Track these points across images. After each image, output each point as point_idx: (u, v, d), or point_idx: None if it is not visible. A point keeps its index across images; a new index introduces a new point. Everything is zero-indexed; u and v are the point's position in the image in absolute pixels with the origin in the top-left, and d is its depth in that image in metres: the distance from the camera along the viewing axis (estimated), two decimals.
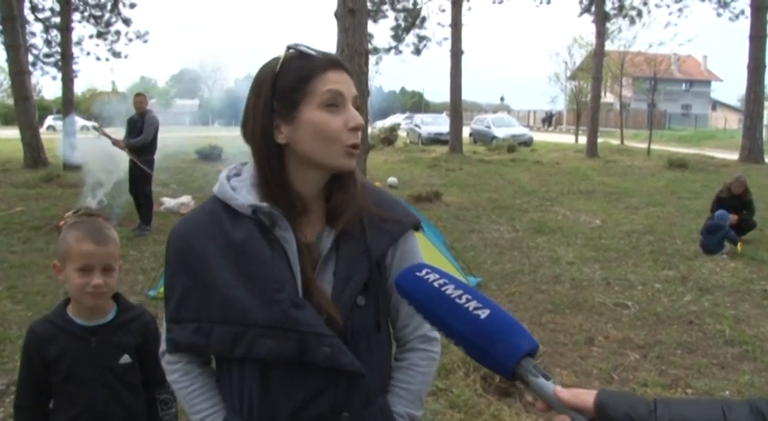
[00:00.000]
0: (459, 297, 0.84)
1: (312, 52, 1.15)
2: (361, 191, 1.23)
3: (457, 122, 21.23)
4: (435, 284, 0.86)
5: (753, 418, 0.73)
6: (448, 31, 21.55)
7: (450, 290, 0.85)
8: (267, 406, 1.17)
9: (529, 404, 3.40)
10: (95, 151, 8.88)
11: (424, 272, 0.89)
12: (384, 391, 1.26)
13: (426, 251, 3.51)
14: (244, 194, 1.18)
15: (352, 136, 1.14)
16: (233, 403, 1.21)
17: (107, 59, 22.86)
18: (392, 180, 13.20)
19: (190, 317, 1.17)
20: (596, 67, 21.61)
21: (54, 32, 21.29)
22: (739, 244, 7.18)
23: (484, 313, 0.82)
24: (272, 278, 1.13)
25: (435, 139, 27.15)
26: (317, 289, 1.16)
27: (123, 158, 8.16)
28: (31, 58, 20.47)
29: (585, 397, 0.78)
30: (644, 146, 22.74)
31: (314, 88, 1.12)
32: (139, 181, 8.08)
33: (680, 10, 23.45)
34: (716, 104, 52.77)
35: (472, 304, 0.83)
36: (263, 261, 1.14)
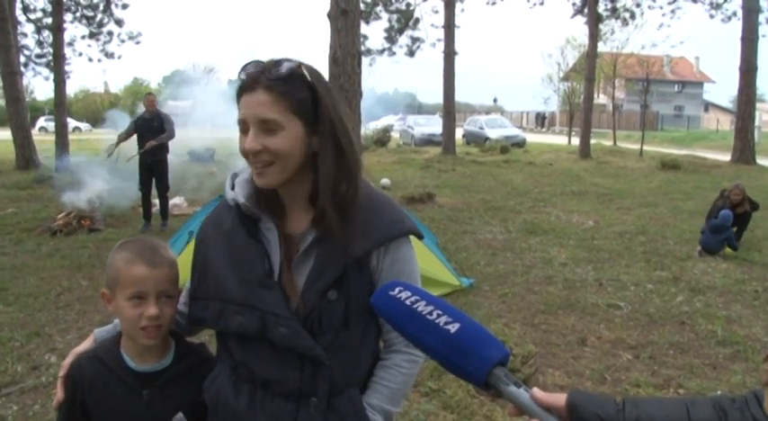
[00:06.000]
0: (431, 313, 0.88)
1: (239, 78, 1.25)
2: (352, 196, 1.28)
3: (450, 123, 21.26)
4: (407, 302, 0.90)
5: (715, 414, 0.76)
6: (441, 33, 21.58)
7: (421, 306, 0.89)
8: (247, 369, 1.30)
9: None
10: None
11: (396, 290, 0.93)
12: (356, 384, 1.32)
13: (420, 253, 3.50)
14: (237, 189, 1.34)
15: (250, 158, 1.25)
16: (226, 362, 1.35)
17: (99, 60, 22.83)
18: (385, 181, 13.19)
19: (200, 295, 1.36)
20: (589, 68, 21.66)
21: (46, 33, 21.22)
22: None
23: (454, 327, 0.86)
24: (245, 261, 1.28)
25: (428, 141, 27.16)
26: (287, 277, 1.28)
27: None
28: (22, 59, 20.38)
29: (559, 396, 0.83)
30: (636, 147, 22.84)
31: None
32: (160, 177, 8.28)
33: (672, 11, 23.62)
34: (708, 106, 53.06)
35: (443, 319, 0.87)
36: (240, 246, 1.30)
